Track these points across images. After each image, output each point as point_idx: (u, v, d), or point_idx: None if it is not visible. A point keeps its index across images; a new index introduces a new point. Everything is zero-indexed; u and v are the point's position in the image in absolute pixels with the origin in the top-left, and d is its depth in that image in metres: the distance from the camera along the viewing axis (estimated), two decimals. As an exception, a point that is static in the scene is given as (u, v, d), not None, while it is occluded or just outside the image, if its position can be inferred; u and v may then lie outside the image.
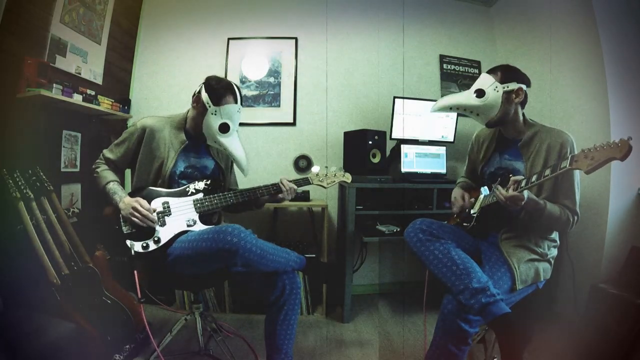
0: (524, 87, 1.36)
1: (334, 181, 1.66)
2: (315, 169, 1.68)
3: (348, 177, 1.70)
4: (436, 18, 2.78)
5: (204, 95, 1.46)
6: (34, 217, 1.45)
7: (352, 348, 1.88)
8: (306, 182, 1.63)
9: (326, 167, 1.68)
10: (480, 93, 1.37)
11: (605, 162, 0.97)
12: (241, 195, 1.53)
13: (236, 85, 1.51)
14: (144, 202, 1.39)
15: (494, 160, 1.50)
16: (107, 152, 1.55)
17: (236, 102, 1.48)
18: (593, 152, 1.00)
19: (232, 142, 1.49)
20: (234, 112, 1.47)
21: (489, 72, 1.40)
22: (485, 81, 1.38)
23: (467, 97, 1.40)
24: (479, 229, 1.45)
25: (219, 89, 1.46)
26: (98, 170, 1.53)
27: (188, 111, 1.57)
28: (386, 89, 2.66)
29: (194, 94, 1.52)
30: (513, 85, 1.35)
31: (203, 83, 1.50)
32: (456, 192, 1.59)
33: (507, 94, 1.35)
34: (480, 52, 2.83)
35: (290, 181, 1.59)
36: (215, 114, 1.45)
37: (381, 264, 2.72)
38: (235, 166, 1.73)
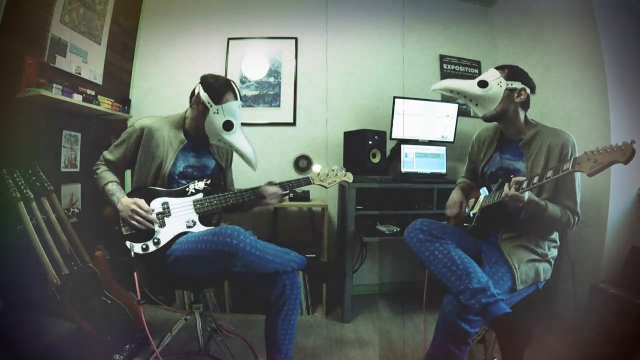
0: (527, 89, 1.36)
1: (335, 181, 1.65)
2: (316, 168, 1.67)
3: (349, 177, 1.69)
4: (436, 18, 2.78)
5: (204, 95, 1.45)
6: (34, 217, 1.44)
7: (352, 348, 1.88)
8: (307, 182, 1.63)
9: (327, 166, 1.68)
10: (483, 84, 1.38)
11: (608, 165, 0.97)
12: (241, 196, 1.52)
13: (233, 82, 1.52)
14: (143, 203, 1.39)
15: (495, 160, 1.50)
16: (106, 154, 1.55)
17: (236, 99, 1.48)
18: (596, 155, 0.99)
19: (238, 139, 1.49)
20: (236, 109, 1.47)
21: (497, 68, 1.40)
22: (490, 75, 1.39)
23: (469, 84, 1.41)
24: (479, 229, 1.45)
25: (218, 87, 1.46)
26: (98, 171, 1.53)
27: (187, 111, 1.57)
28: (386, 89, 2.66)
29: (192, 94, 1.51)
30: (517, 84, 1.35)
31: (200, 82, 1.49)
32: (455, 197, 1.59)
33: (510, 91, 1.35)
34: (480, 52, 2.83)
35: (289, 182, 1.58)
36: (217, 113, 1.44)
37: (381, 264, 2.72)
38: (233, 165, 1.75)
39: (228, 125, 1.45)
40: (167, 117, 1.57)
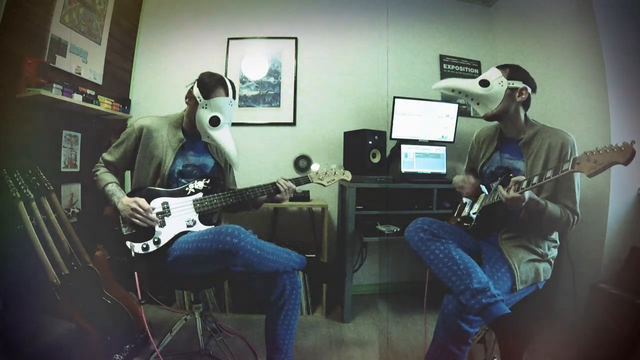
0: (528, 89, 1.36)
1: (334, 179, 1.65)
2: (315, 167, 1.67)
3: (348, 175, 1.68)
4: (436, 18, 2.78)
5: (196, 90, 1.46)
6: (34, 217, 1.45)
7: (352, 348, 1.88)
8: (306, 180, 1.63)
9: (326, 165, 1.67)
10: (484, 83, 1.38)
11: (607, 166, 0.96)
12: (240, 195, 1.52)
13: (229, 80, 1.51)
14: (143, 202, 1.39)
15: (495, 159, 1.50)
16: (105, 155, 1.55)
17: (227, 95, 1.47)
18: (596, 155, 0.99)
19: (222, 136, 1.47)
20: (225, 105, 1.46)
21: (498, 67, 1.40)
22: (492, 74, 1.39)
23: (471, 83, 1.41)
24: (479, 228, 1.45)
25: (209, 83, 1.46)
26: (97, 173, 1.52)
27: (185, 110, 1.57)
28: (386, 89, 2.66)
29: (188, 91, 1.52)
30: (518, 84, 1.35)
31: (197, 79, 1.50)
32: (457, 178, 1.57)
33: (511, 91, 1.35)
34: (480, 52, 2.83)
35: (289, 180, 1.59)
36: (205, 108, 1.44)
37: (381, 264, 2.72)
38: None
39: (214, 121, 1.45)
40: (166, 116, 1.58)
